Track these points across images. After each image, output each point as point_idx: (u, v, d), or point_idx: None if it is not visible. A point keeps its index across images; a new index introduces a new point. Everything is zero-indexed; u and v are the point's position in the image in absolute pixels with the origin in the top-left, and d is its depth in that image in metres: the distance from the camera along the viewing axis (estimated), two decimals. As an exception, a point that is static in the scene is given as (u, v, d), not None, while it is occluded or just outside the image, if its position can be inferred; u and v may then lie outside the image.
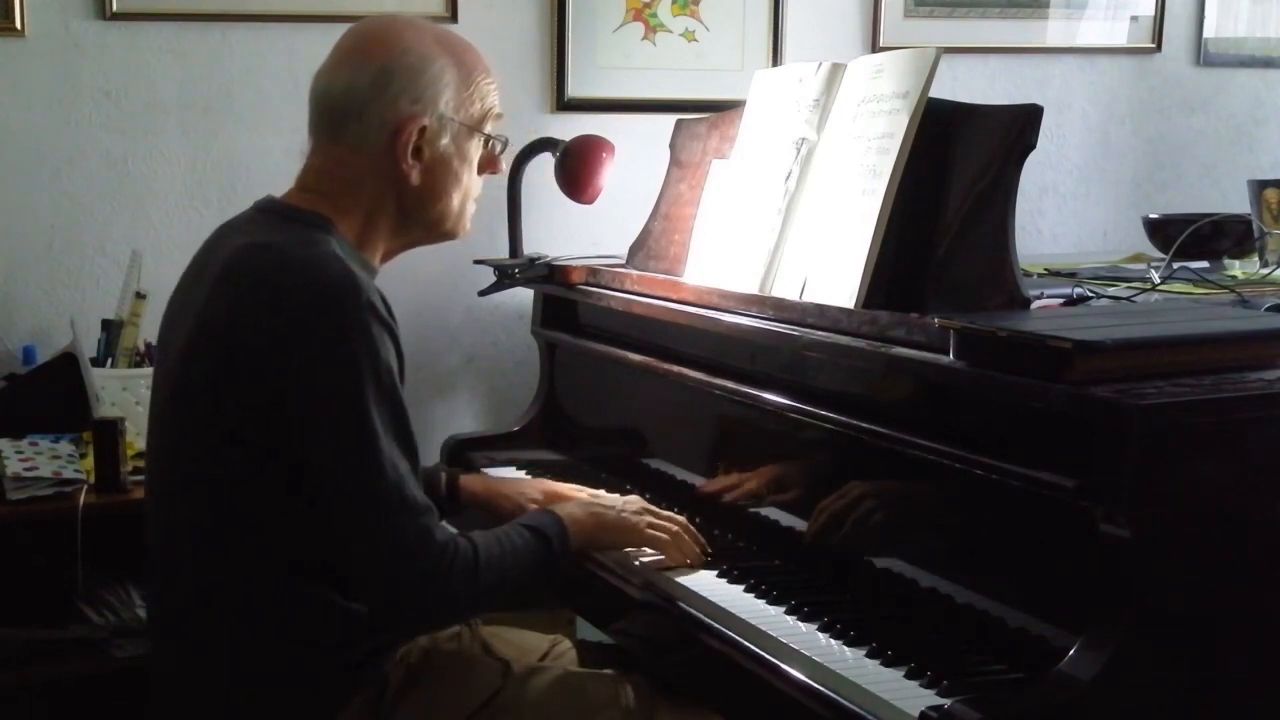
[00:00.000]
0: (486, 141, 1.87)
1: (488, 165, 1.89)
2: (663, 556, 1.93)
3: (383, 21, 1.87)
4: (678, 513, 2.02)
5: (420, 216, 1.83)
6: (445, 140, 1.79)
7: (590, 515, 1.93)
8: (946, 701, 1.42)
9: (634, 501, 2.00)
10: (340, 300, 1.62)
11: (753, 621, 1.71)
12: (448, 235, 1.88)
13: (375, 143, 1.76)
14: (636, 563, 1.93)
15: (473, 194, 1.88)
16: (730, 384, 2.03)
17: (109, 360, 2.54)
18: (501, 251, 2.74)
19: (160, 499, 1.78)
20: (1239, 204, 2.77)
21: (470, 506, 2.15)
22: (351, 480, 1.63)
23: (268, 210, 1.80)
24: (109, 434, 2.34)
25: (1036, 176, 3.35)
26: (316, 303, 1.62)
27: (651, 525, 1.94)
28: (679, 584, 1.86)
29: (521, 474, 2.47)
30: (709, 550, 1.95)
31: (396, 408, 1.66)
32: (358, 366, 1.61)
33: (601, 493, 2.12)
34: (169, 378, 1.75)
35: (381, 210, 1.80)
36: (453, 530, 1.73)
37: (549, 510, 1.90)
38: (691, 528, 1.97)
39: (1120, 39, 3.43)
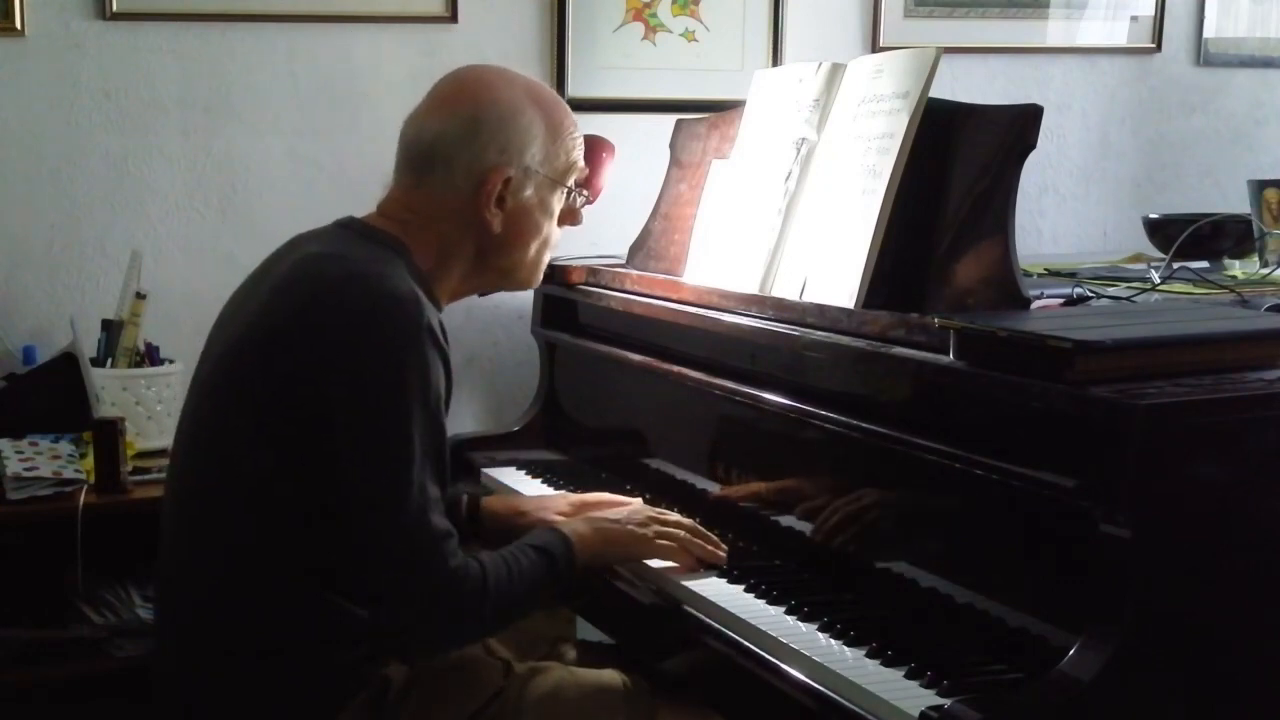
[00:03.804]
0: (568, 194, 1.88)
1: (568, 217, 1.92)
2: (675, 565, 1.90)
3: (477, 71, 1.88)
4: (679, 513, 2.01)
5: (496, 263, 1.85)
6: (529, 191, 1.82)
7: (596, 531, 1.90)
8: (946, 701, 1.43)
9: (639, 511, 1.97)
10: (401, 317, 1.64)
11: (753, 621, 1.71)
12: (522, 285, 1.92)
13: (461, 189, 1.79)
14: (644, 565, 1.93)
15: (551, 244, 1.90)
16: (730, 384, 2.02)
17: (109, 360, 2.54)
18: (502, 251, 2.74)
19: (181, 497, 1.78)
20: (1239, 204, 2.77)
21: (492, 529, 2.10)
22: (379, 497, 1.64)
23: (348, 227, 1.82)
24: (109, 434, 2.34)
25: (1036, 176, 3.35)
26: (377, 316, 1.63)
27: (659, 535, 1.92)
28: (679, 585, 1.86)
29: (521, 474, 2.47)
30: (723, 548, 1.91)
31: (437, 433, 1.67)
32: (407, 385, 1.62)
33: (605, 495, 2.12)
34: (211, 375, 1.76)
35: (459, 252, 1.82)
36: (463, 555, 1.72)
37: (554, 528, 1.88)
38: (701, 529, 1.94)
39: (1120, 39, 3.44)
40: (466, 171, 1.78)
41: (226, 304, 1.83)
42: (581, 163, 1.90)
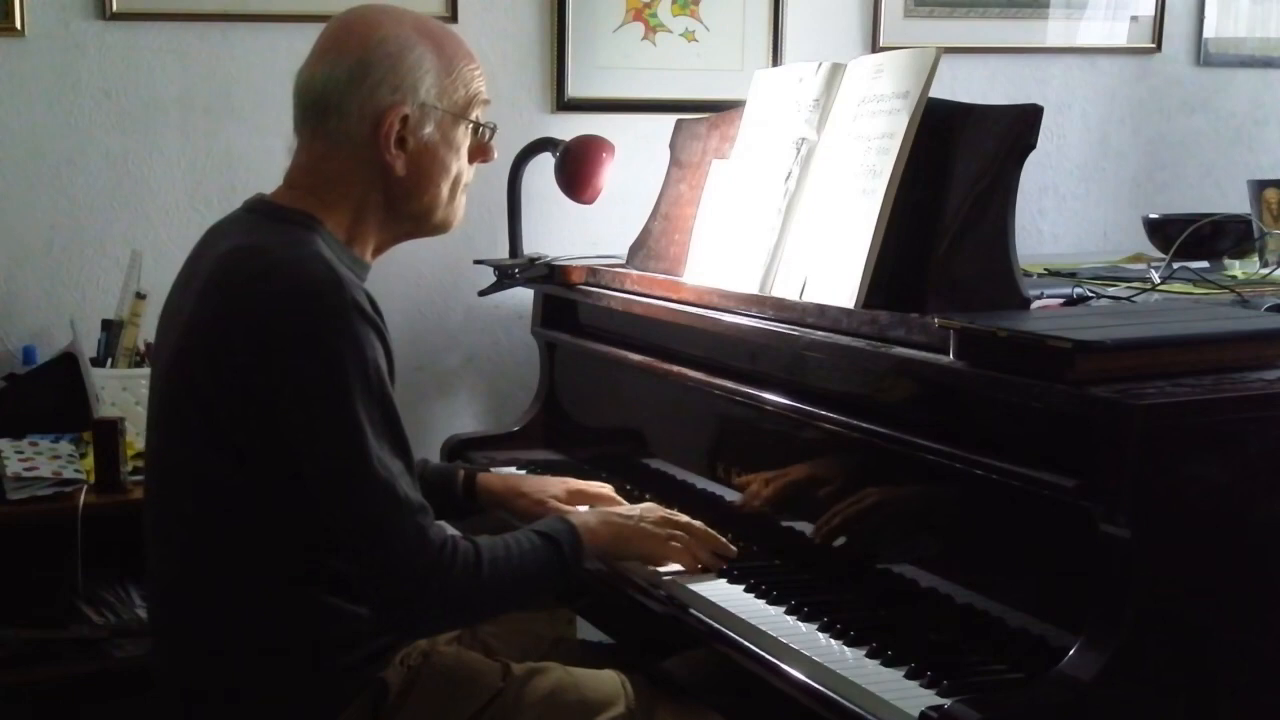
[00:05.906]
0: (476, 129, 1.83)
1: (478, 153, 1.86)
2: (681, 568, 1.89)
3: (360, 12, 1.82)
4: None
5: (408, 208, 1.80)
6: (429, 128, 1.77)
7: (606, 525, 1.89)
8: (946, 701, 1.43)
9: (653, 510, 1.95)
10: (323, 302, 1.61)
11: (753, 622, 1.71)
12: (439, 227, 1.85)
13: (358, 135, 1.74)
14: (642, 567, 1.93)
15: (463, 182, 1.85)
16: (730, 384, 2.02)
17: (109, 360, 2.54)
18: (501, 251, 2.74)
19: (157, 501, 1.78)
20: (1239, 204, 2.77)
21: (489, 506, 2.12)
22: (342, 481, 1.62)
23: (256, 210, 1.79)
24: (109, 434, 2.34)
25: (1036, 176, 3.35)
26: (300, 305, 1.61)
27: (671, 537, 1.90)
28: (679, 585, 1.86)
29: (522, 474, 2.46)
30: (732, 549, 1.91)
31: (386, 407, 1.65)
32: (343, 367, 1.60)
33: (603, 486, 2.11)
34: (161, 382, 1.75)
35: (369, 204, 1.78)
36: (453, 531, 1.72)
37: (564, 518, 1.87)
38: (712, 533, 1.93)
39: (1120, 39, 3.43)
40: (360, 115, 1.73)
41: (164, 307, 1.81)
42: (485, 95, 1.84)
